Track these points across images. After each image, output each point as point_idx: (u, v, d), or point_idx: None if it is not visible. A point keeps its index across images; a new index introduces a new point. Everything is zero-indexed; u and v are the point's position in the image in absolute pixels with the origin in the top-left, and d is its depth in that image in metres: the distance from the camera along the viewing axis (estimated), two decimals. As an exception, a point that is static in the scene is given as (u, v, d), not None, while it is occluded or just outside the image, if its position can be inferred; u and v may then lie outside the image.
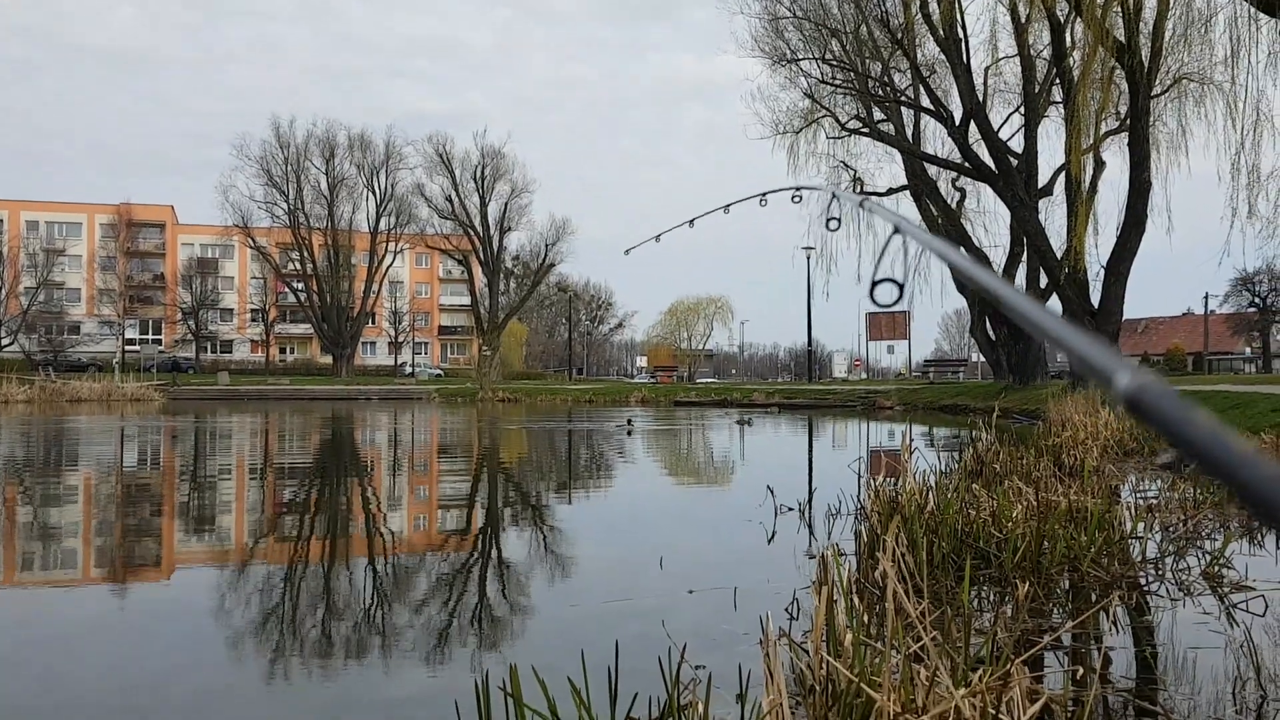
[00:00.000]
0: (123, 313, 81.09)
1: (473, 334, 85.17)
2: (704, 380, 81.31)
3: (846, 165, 35.00)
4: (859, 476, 8.66)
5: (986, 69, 29.49)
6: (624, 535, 7.47)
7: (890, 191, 34.85)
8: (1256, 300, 64.29)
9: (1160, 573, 5.10)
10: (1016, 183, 26.83)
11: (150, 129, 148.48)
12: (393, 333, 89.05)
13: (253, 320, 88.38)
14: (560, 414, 32.01)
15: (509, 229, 76.68)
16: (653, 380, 73.91)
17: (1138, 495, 8.25)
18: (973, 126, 28.05)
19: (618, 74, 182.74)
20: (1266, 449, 9.68)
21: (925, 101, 30.44)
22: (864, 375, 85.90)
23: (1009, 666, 2.64)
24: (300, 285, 78.23)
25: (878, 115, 33.49)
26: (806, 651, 2.96)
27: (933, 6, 26.76)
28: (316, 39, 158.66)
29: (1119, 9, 21.09)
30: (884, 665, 2.61)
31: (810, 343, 69.02)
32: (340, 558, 6.34)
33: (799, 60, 32.35)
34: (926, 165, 33.04)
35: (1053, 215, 29.68)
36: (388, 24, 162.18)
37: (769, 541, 6.47)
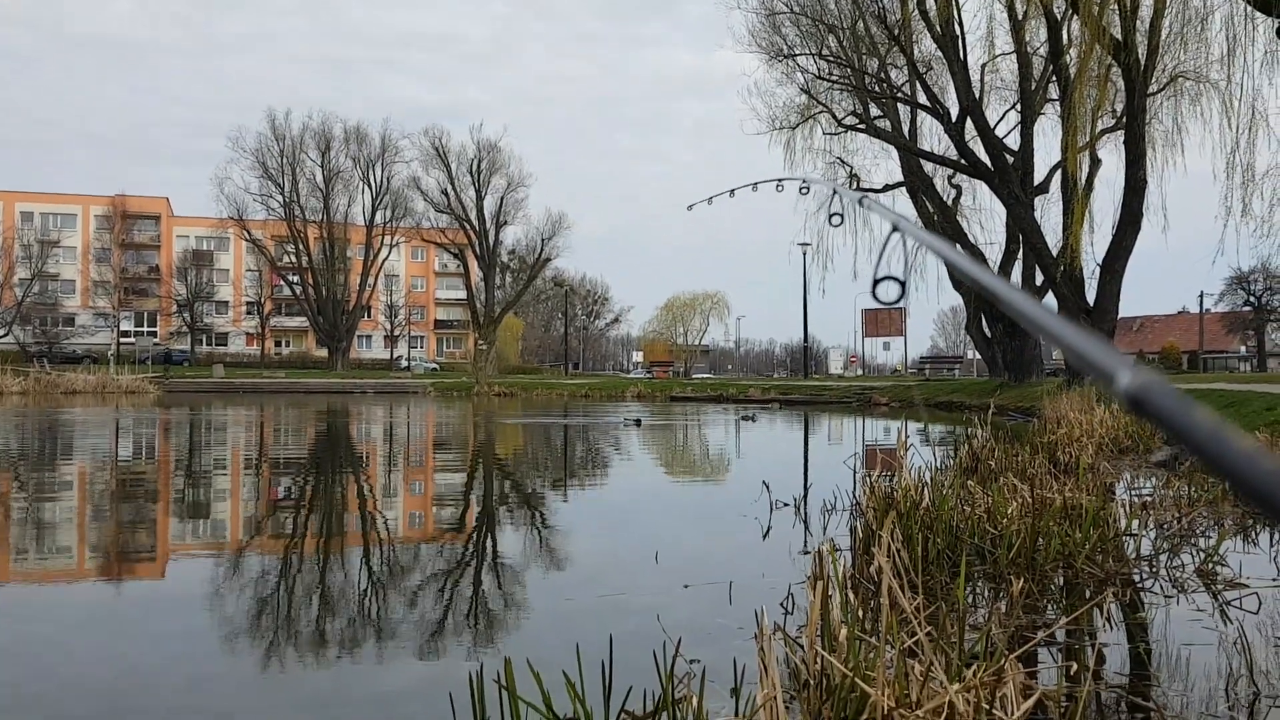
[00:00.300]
0: (118, 305, 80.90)
1: (468, 328, 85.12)
2: (700, 376, 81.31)
3: (843, 161, 35.00)
4: (854, 472, 8.67)
5: (983, 66, 29.49)
6: (620, 530, 7.47)
7: (886, 188, 34.86)
8: (1251, 299, 64.42)
9: (1154, 570, 5.11)
10: (1013, 180, 26.84)
11: (145, 120, 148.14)
12: (388, 326, 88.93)
13: (248, 313, 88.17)
14: (557, 409, 32.01)
15: (505, 223, 76.64)
16: (648, 375, 73.96)
17: (1132, 493, 8.27)
18: (969, 123, 28.05)
19: (614, 69, 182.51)
20: (1261, 447, 9.70)
21: (922, 98, 30.43)
22: (859, 371, 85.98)
23: (1003, 662, 2.64)
24: (295, 278, 78.08)
25: (874, 111, 33.49)
26: (801, 646, 2.96)
27: (930, 3, 26.75)
28: (313, 31, 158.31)
29: (1116, 7, 21.09)
30: (878, 660, 2.61)
31: (806, 339, 69.02)
32: (335, 551, 6.34)
33: (796, 56, 32.35)
34: (923, 162, 33.04)
35: (1049, 213, 29.71)
36: (384, 17, 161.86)
37: (764, 537, 6.47)
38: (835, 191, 2.75)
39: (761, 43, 32.45)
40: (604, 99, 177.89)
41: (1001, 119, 31.43)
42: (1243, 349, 72.43)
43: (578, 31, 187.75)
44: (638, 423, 21.84)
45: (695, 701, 2.45)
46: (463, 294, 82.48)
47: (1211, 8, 20.91)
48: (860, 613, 3.22)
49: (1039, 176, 29.47)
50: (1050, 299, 25.33)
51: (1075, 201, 23.51)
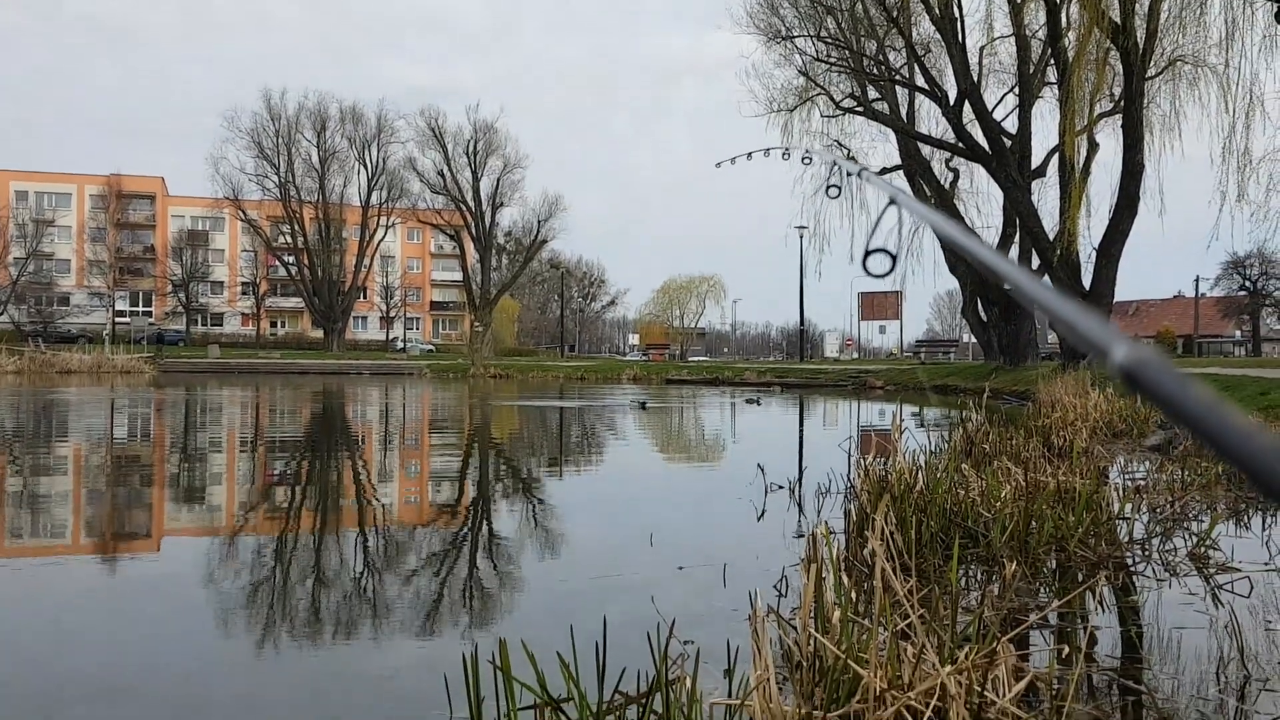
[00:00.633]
0: (113, 284, 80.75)
1: (465, 310, 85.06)
2: (696, 359, 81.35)
3: (840, 144, 34.90)
4: (849, 456, 8.68)
5: (982, 49, 29.39)
6: (614, 512, 7.48)
7: (884, 171, 34.74)
8: (1247, 284, 64.52)
9: (1147, 553, 5.13)
10: (1010, 164, 26.80)
11: (139, 99, 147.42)
12: (384, 308, 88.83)
13: (243, 293, 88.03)
14: (554, 391, 32.01)
15: (501, 205, 76.49)
16: (644, 358, 73.96)
17: (1126, 477, 8.29)
18: (967, 107, 27.98)
19: (609, 51, 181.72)
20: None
21: (920, 81, 30.35)
22: (855, 355, 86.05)
23: (995, 645, 2.65)
24: (291, 259, 77.91)
25: (872, 94, 33.41)
26: (794, 628, 2.97)
27: (929, -15, 26.64)
28: (307, 9, 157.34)
29: (1115, -10, 21.03)
30: (871, 642, 2.62)
31: (802, 322, 69.04)
32: (330, 532, 6.35)
33: (794, 37, 32.24)
34: (920, 145, 32.98)
35: (1045, 197, 29.71)
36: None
37: (759, 519, 6.48)
38: (835, 163, 2.74)
39: (759, 24, 32.36)
40: (599, 81, 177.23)
41: (999, 102, 31.37)
42: (1238, 333, 72.61)
43: (572, 12, 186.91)
44: (643, 405, 21.96)
45: (689, 682, 2.45)
46: (458, 276, 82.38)
47: (1211, -9, 20.88)
48: (853, 595, 3.23)
49: (1036, 160, 29.43)
50: (1046, 283, 25.35)
51: (1072, 185, 23.51)
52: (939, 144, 31.63)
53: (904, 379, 35.18)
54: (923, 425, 15.80)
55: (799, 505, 6.98)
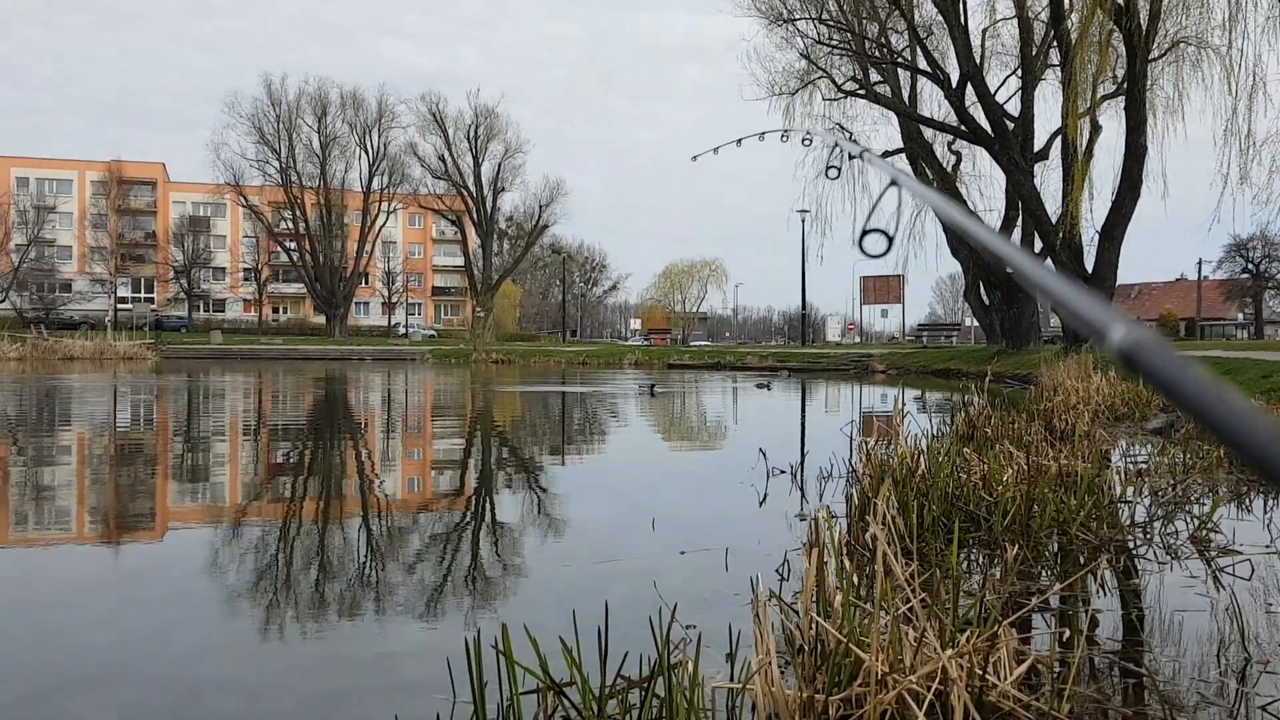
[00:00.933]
0: (114, 271, 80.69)
1: (466, 295, 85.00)
2: (697, 344, 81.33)
3: (842, 128, 34.77)
4: (851, 440, 8.69)
5: (984, 31, 29.27)
6: (616, 496, 7.49)
7: (886, 154, 34.58)
8: (1250, 266, 64.36)
9: (1148, 536, 5.13)
10: (1013, 146, 26.71)
11: (138, 84, 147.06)
12: (386, 293, 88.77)
13: (245, 279, 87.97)
14: (556, 376, 32.02)
15: (503, 189, 76.37)
16: (646, 343, 73.97)
17: (1128, 460, 8.29)
18: (969, 89, 27.86)
19: (609, 32, 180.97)
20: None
21: (922, 63, 30.22)
22: (857, 339, 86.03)
23: (996, 628, 2.66)
24: (293, 244, 77.85)
25: (874, 77, 33.25)
26: (796, 612, 2.98)
27: (932, -34, 26.50)
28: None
29: (1119, -29, 20.91)
30: (873, 626, 2.62)
31: (804, 306, 68.99)
32: (333, 517, 6.36)
33: (796, 20, 32.07)
34: (922, 128, 32.86)
35: (1048, 180, 29.59)
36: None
37: (761, 503, 6.49)
38: (836, 144, 2.73)
39: (761, 6, 32.18)
40: (599, 63, 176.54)
41: (1002, 85, 31.26)
42: (1240, 316, 72.50)
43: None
44: (652, 390, 21.98)
45: (690, 666, 2.46)
46: (460, 261, 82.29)
47: (1215, -29, 20.76)
48: (855, 579, 3.23)
49: (1039, 143, 29.32)
50: (1049, 266, 25.29)
51: (1075, 168, 23.43)
52: (941, 126, 31.52)
53: (906, 363, 35.17)
54: (925, 409, 15.79)
55: (801, 489, 6.98)
